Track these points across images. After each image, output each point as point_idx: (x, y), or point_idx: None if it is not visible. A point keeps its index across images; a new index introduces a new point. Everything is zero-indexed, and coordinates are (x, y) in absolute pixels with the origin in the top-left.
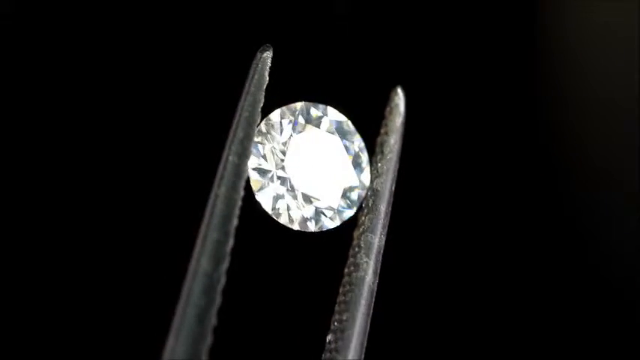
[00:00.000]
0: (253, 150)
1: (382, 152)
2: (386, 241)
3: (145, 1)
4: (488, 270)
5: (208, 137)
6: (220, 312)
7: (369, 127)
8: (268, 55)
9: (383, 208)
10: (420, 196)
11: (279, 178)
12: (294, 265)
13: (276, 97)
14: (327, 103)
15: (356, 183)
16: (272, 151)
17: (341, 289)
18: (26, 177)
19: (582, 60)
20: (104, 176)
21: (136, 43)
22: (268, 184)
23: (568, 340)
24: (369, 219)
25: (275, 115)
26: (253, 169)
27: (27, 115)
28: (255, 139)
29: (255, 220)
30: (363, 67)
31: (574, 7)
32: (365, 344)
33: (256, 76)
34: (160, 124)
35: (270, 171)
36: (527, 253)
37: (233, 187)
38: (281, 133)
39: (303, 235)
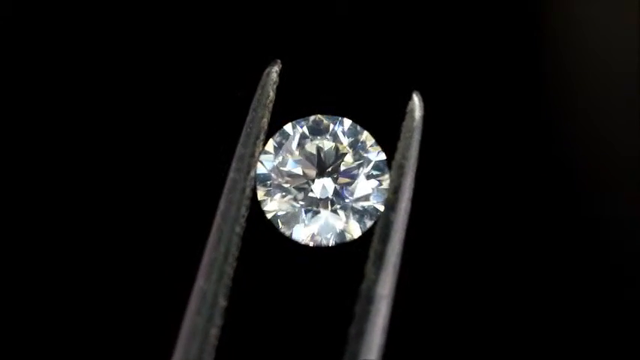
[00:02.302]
0: (265, 165)
1: (396, 160)
2: (409, 251)
3: (158, 10)
4: (512, 277)
5: (223, 151)
6: (245, 329)
7: (391, 137)
8: (274, 70)
9: (393, 216)
10: (445, 201)
11: (291, 193)
12: (317, 280)
13: (291, 109)
14: (345, 113)
15: (373, 194)
16: (282, 167)
17: None
18: (17, 180)
19: (589, 56)
20: (109, 182)
21: (146, 56)
22: (279, 197)
23: (571, 341)
24: (378, 228)
25: (287, 129)
26: (264, 184)
27: (27, 115)
28: (266, 154)
29: (272, 236)
30: (382, 74)
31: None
32: (378, 356)
33: (260, 93)
34: (174, 136)
35: (283, 186)
36: (546, 263)
37: (233, 204)
38: (293, 147)
39: (322, 250)
